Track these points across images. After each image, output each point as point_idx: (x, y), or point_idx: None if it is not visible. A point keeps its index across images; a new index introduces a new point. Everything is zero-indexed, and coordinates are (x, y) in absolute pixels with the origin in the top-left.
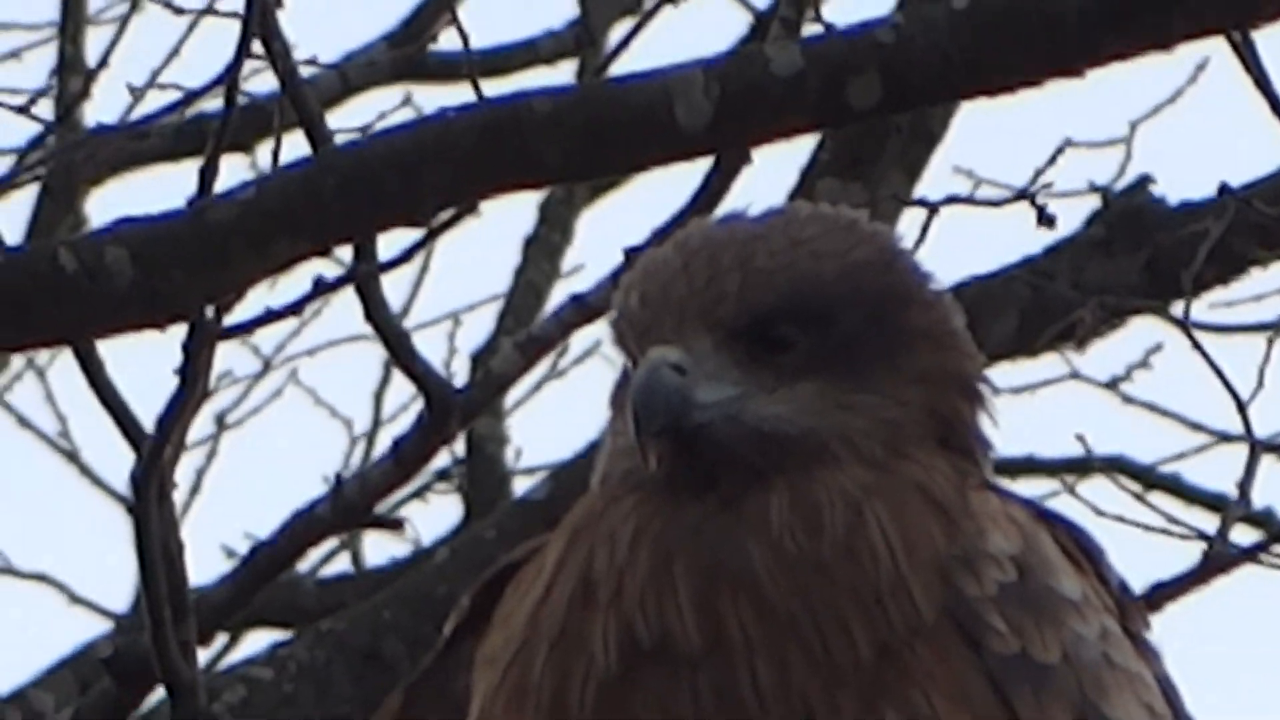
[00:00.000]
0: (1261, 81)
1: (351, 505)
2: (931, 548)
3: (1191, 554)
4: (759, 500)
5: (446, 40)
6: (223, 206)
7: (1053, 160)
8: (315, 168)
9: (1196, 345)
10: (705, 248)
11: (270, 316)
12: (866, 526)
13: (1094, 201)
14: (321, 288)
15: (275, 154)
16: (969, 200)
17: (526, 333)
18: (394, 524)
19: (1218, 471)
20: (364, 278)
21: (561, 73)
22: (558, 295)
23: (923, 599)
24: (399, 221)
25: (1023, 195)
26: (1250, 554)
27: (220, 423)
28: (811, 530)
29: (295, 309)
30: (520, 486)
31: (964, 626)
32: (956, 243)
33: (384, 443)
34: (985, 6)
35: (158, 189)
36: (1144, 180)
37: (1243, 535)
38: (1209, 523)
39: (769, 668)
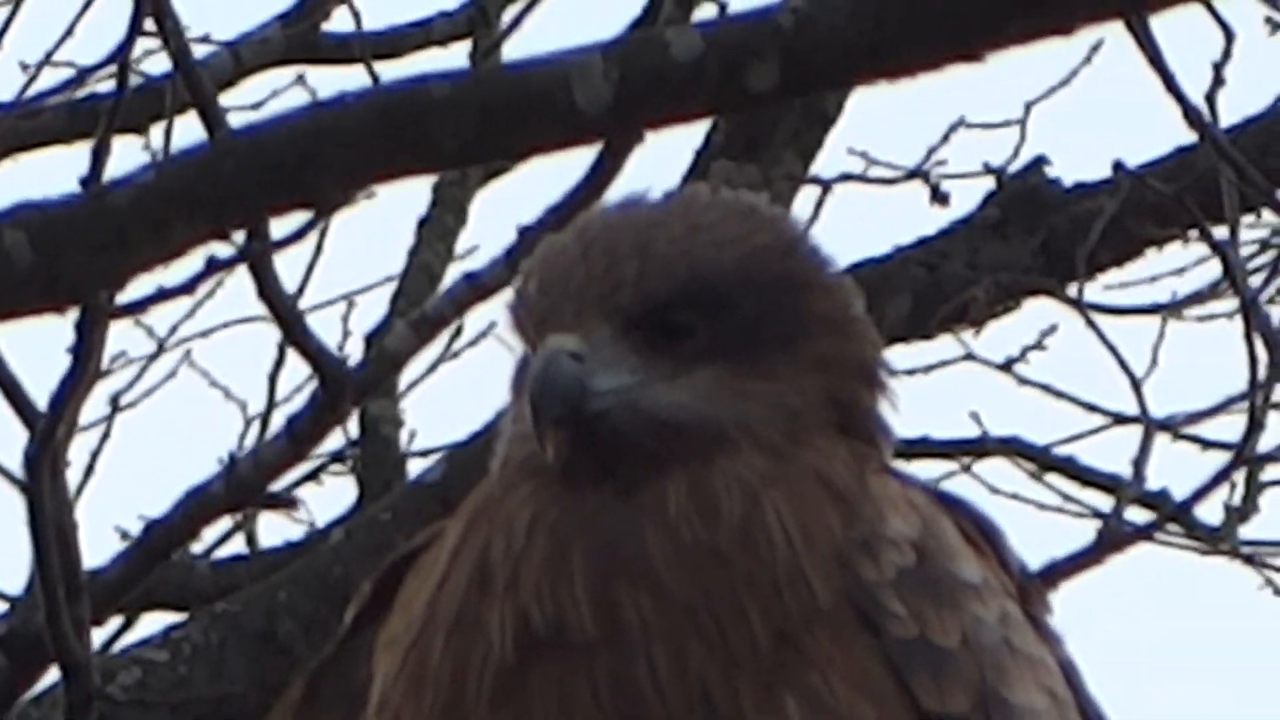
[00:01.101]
0: (1156, 61)
1: (246, 484)
2: (829, 535)
3: (1087, 533)
4: (656, 488)
5: (340, 21)
6: (121, 190)
7: (945, 139)
8: (213, 151)
9: (1092, 325)
10: (604, 234)
11: (163, 295)
12: (764, 514)
13: (989, 183)
14: (214, 266)
15: (168, 135)
16: (862, 178)
17: (420, 311)
18: (288, 502)
19: (1113, 453)
20: (257, 256)
21: (455, 55)
22: (451, 277)
23: (821, 586)
24: (297, 205)
25: (916, 174)
26: (1144, 532)
27: (114, 404)
28: (708, 518)
29: (188, 288)
30: (415, 468)
31: (863, 611)
32: (851, 224)
33: (279, 424)
34: None
35: (51, 170)
36: (1039, 161)
37: (1138, 515)
38: (1105, 504)
39: (666, 655)
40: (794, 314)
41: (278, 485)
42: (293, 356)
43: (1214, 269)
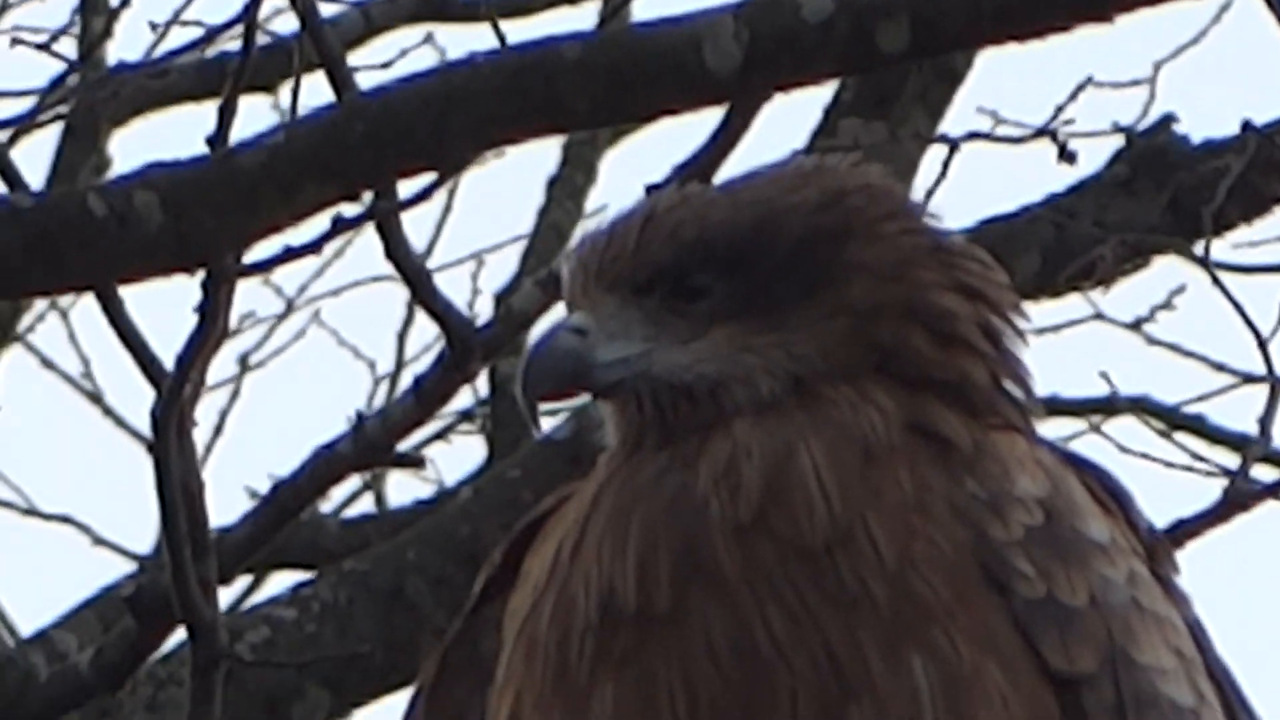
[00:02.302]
0: None
1: (373, 443)
2: (860, 486)
3: (1214, 492)
4: (700, 453)
5: None
6: (251, 152)
7: (1073, 97)
8: (342, 113)
9: (1219, 284)
10: (624, 213)
11: (290, 254)
12: (788, 476)
13: (1117, 141)
14: (341, 225)
15: (295, 94)
16: (989, 137)
17: (548, 270)
18: (416, 461)
19: (1242, 412)
20: (384, 215)
21: (584, 13)
22: (580, 233)
23: (883, 539)
24: (426, 167)
25: (1043, 132)
26: (1272, 490)
27: (243, 363)
28: (732, 490)
29: (314, 247)
30: (544, 427)
31: (990, 570)
32: (981, 182)
33: (407, 383)
34: None
35: (180, 128)
36: (1167, 119)
37: (1265, 473)
38: (1233, 463)
39: (725, 632)
40: (824, 265)
41: (406, 444)
42: (421, 315)
43: None
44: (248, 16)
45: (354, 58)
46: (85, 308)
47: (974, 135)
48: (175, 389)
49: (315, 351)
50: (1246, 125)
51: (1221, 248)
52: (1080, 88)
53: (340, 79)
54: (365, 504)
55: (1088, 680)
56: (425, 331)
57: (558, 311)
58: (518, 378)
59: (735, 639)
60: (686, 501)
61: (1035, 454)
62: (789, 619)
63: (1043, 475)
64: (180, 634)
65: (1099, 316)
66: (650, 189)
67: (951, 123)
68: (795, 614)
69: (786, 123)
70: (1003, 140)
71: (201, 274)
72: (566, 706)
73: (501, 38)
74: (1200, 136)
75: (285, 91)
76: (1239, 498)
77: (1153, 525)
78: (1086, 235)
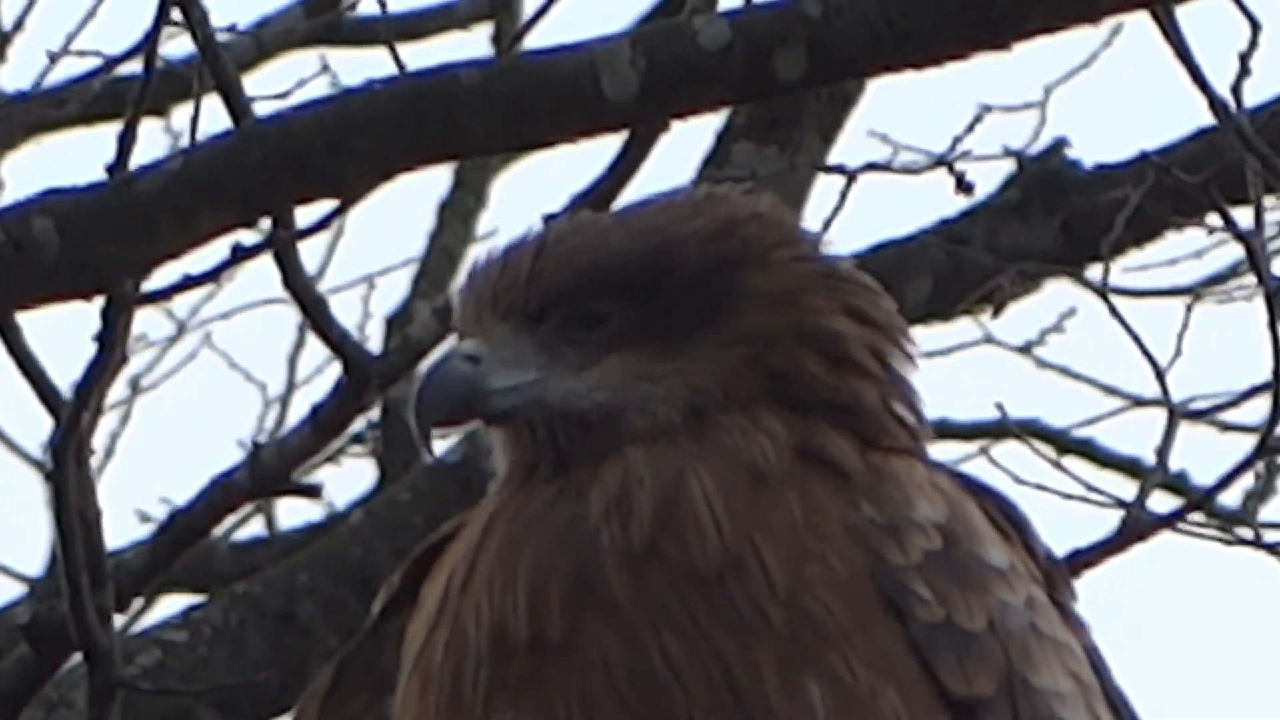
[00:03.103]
0: (1182, 52)
1: (269, 472)
2: (751, 512)
3: (1107, 521)
4: (589, 482)
5: (362, 3)
6: (149, 178)
7: (971, 128)
8: (240, 140)
9: (1115, 313)
10: (514, 242)
11: (189, 283)
12: (679, 504)
13: (1009, 165)
14: (240, 254)
15: (194, 121)
16: (887, 168)
17: (445, 299)
18: (312, 491)
19: (1132, 436)
20: (282, 244)
21: (477, 37)
22: (472, 259)
23: (774, 564)
24: (324, 193)
25: (941, 162)
26: (1168, 521)
27: (134, 386)
28: (624, 518)
29: (213, 276)
30: (436, 451)
31: (888, 595)
32: (873, 206)
33: (299, 406)
34: None
35: (72, 152)
36: (1059, 144)
37: (1160, 503)
38: (1124, 488)
39: (621, 658)
40: (721, 293)
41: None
42: (313, 339)
43: (1233, 250)
44: (149, 45)
45: (250, 85)
46: None
47: (871, 166)
48: (74, 417)
49: (206, 374)
50: (1144, 156)
51: (1113, 272)
52: (977, 118)
53: (237, 105)
54: (256, 527)
55: (985, 704)
56: (316, 354)
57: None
58: (410, 404)
59: (631, 665)
60: (578, 530)
61: (934, 479)
62: (684, 643)
63: (941, 500)
64: (75, 659)
65: (989, 340)
66: (548, 218)
67: (844, 146)
68: (690, 638)
69: (679, 147)
70: (900, 171)
71: (100, 301)
72: None
73: (400, 63)
74: (1092, 160)
75: (179, 116)
76: (1137, 528)
77: (1050, 551)
78: (979, 260)
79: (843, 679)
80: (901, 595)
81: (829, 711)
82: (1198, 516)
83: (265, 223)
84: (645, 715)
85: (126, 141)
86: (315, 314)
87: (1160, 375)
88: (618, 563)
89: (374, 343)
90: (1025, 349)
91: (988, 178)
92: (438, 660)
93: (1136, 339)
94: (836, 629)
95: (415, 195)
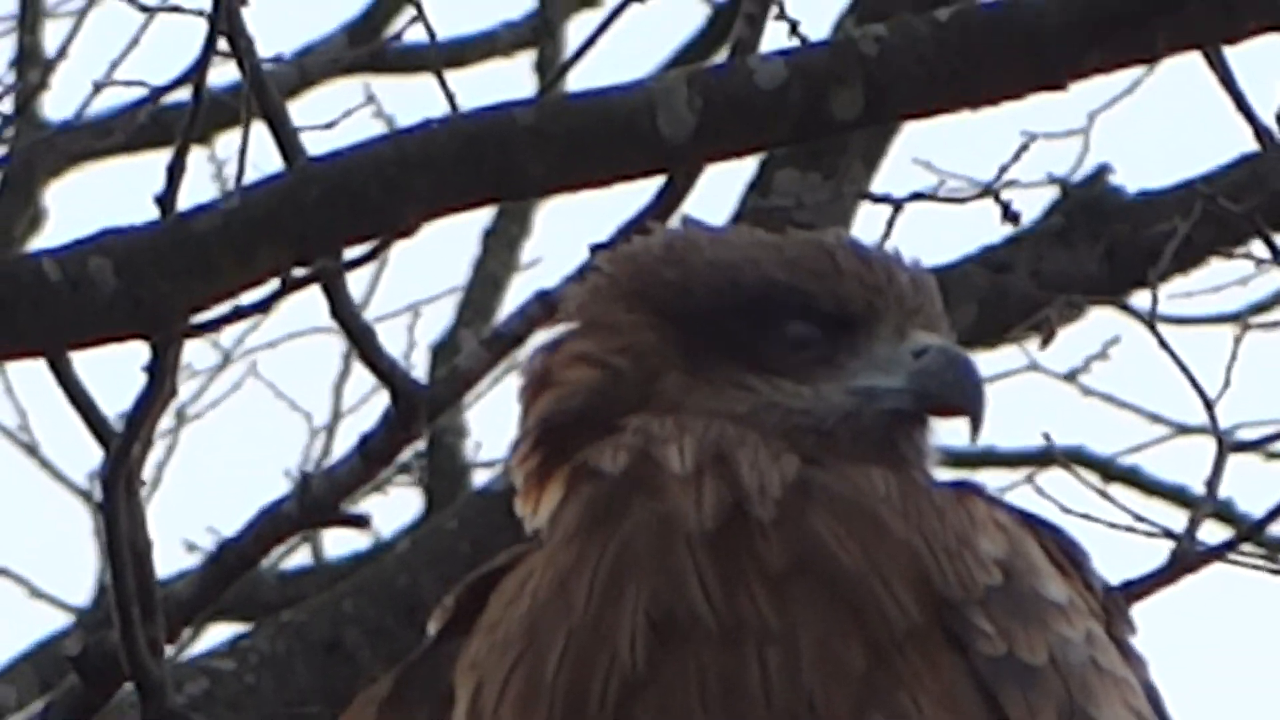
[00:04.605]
0: (1227, 81)
1: (318, 502)
2: (909, 552)
3: (1153, 548)
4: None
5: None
6: (206, 217)
7: (1017, 157)
8: (298, 179)
9: (1164, 344)
10: (904, 259)
11: (239, 314)
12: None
13: (1053, 192)
14: (290, 285)
15: (243, 152)
16: (934, 197)
17: (492, 329)
18: (361, 521)
19: (1178, 463)
20: (330, 275)
21: (519, 65)
22: (516, 287)
23: (910, 604)
24: (380, 231)
25: (987, 191)
26: (1219, 552)
27: (180, 416)
28: (807, 536)
29: (264, 306)
30: (480, 478)
31: (951, 630)
32: (914, 232)
33: (344, 435)
34: (969, 19)
35: (116, 181)
36: (1102, 170)
37: (1207, 533)
38: (1170, 515)
39: (779, 660)
40: None
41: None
42: (358, 367)
43: (1278, 278)
44: (197, 75)
45: (292, 111)
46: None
47: (918, 196)
48: (124, 448)
49: (252, 403)
50: (1189, 183)
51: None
52: (1024, 147)
53: (284, 135)
54: (303, 556)
55: None
56: (362, 383)
57: (501, 370)
58: (960, 390)
59: (728, 676)
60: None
61: (994, 514)
62: (786, 664)
63: (1001, 536)
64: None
65: (1034, 367)
66: (594, 248)
67: (887, 173)
68: (793, 660)
69: (722, 173)
70: (947, 200)
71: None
72: None
73: (449, 93)
74: (1135, 186)
75: (223, 144)
76: (1187, 559)
77: (1109, 585)
78: (1023, 287)
79: (909, 716)
80: (964, 629)
81: None
82: (1246, 546)
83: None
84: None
85: (176, 172)
86: (363, 343)
87: (1209, 406)
88: (767, 581)
89: (419, 371)
90: (1070, 376)
91: (1031, 205)
92: (547, 678)
93: (1185, 370)
94: (908, 668)
95: (459, 223)
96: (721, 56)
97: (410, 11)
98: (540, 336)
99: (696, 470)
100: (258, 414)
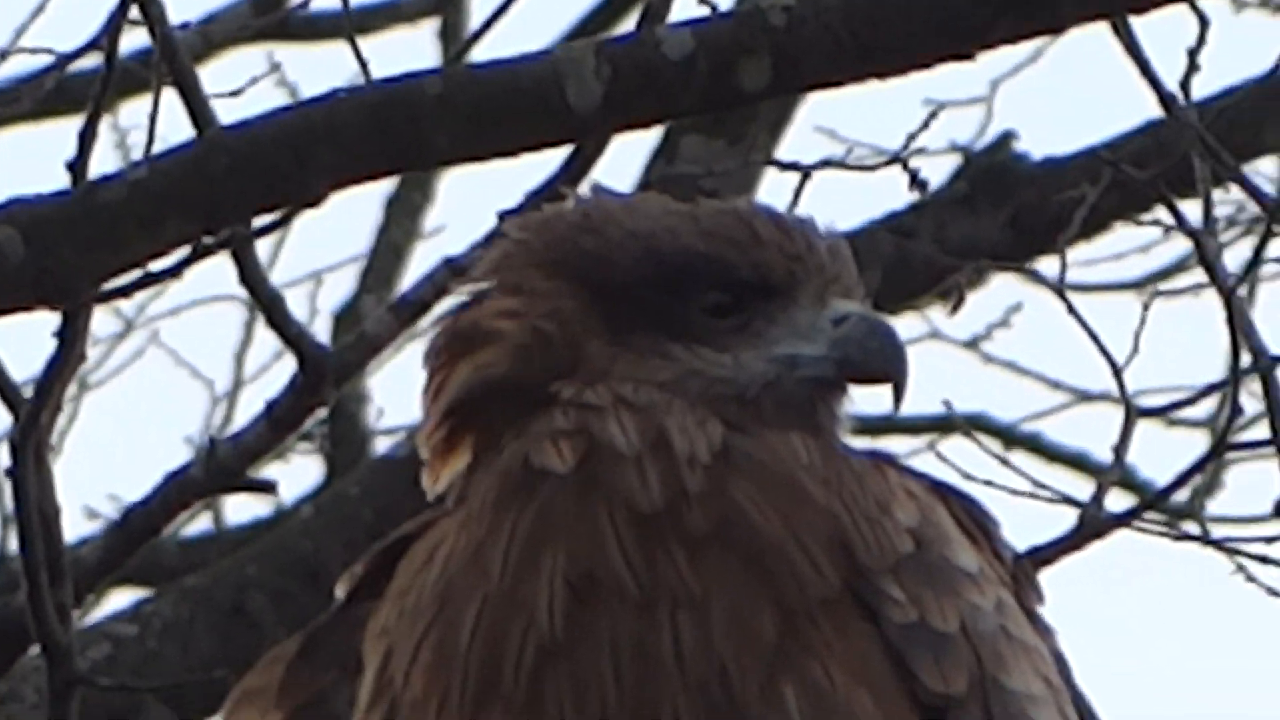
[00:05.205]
0: (1132, 49)
1: (225, 468)
2: (826, 520)
3: (1054, 514)
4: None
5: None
6: (114, 187)
7: (925, 125)
8: (205, 149)
9: (1073, 311)
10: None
11: (149, 279)
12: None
13: (956, 159)
14: (200, 252)
15: (153, 118)
16: (843, 165)
17: (399, 296)
18: (268, 487)
19: (1078, 430)
20: (240, 242)
21: (424, 32)
22: (419, 255)
23: (829, 571)
24: (288, 201)
25: (895, 159)
26: (1125, 519)
27: (82, 384)
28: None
29: (175, 272)
30: (382, 445)
31: (862, 598)
32: (817, 199)
33: (245, 403)
34: None
35: (21, 148)
36: (1006, 137)
37: (1115, 501)
38: (1072, 482)
39: (692, 628)
40: None
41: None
42: (260, 335)
43: (1180, 244)
44: (108, 42)
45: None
46: None
47: (827, 163)
48: (34, 414)
49: (153, 371)
50: (1093, 150)
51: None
52: (932, 115)
53: (195, 103)
54: (204, 522)
55: (958, 706)
56: (264, 350)
57: (407, 337)
58: (880, 354)
59: (640, 643)
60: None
61: (905, 483)
62: (698, 626)
63: (912, 504)
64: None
65: (935, 335)
66: (502, 215)
67: (789, 140)
68: (706, 623)
69: (627, 139)
70: (854, 168)
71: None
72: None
73: (362, 60)
74: (1040, 153)
75: (128, 112)
76: (1094, 526)
77: (1018, 554)
78: (926, 253)
79: (820, 685)
80: (875, 597)
81: (804, 716)
82: (1149, 513)
83: None
84: (636, 699)
85: (87, 139)
86: (271, 310)
87: (1118, 373)
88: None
89: (322, 338)
90: (972, 344)
91: (937, 173)
92: (461, 646)
93: (1094, 336)
94: (819, 636)
95: (362, 191)
96: (626, 26)
97: None
98: (451, 299)
99: (641, 448)
100: (159, 381)
